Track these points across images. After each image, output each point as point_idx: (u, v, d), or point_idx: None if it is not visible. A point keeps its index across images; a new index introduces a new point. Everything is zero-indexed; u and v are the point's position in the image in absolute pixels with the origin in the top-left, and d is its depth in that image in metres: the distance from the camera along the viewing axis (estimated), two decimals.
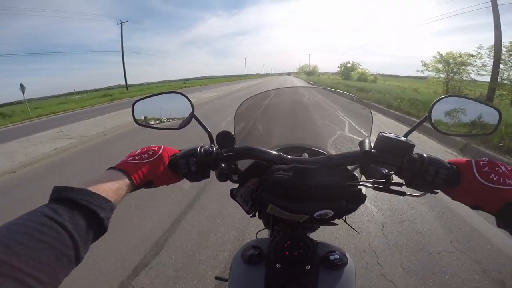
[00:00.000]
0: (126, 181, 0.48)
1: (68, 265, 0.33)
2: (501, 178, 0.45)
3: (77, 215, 0.37)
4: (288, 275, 0.57)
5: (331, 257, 0.60)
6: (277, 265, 0.58)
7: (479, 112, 0.62)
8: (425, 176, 0.49)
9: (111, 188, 0.44)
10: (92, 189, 0.42)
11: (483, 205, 0.46)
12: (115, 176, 0.48)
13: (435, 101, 0.60)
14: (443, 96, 0.62)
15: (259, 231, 0.88)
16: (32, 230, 0.32)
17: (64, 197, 0.38)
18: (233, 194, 0.64)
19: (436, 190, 0.51)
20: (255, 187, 0.61)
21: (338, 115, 0.88)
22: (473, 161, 0.49)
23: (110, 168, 0.50)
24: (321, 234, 1.96)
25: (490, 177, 0.45)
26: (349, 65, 39.46)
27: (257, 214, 0.68)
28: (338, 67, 35.90)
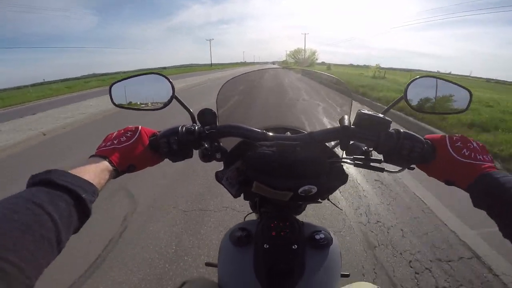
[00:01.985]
0: (108, 166, 0.47)
1: (50, 251, 0.30)
2: (472, 153, 0.46)
3: (57, 196, 0.34)
4: (276, 255, 0.58)
5: (317, 237, 0.61)
6: (265, 246, 0.59)
7: (451, 91, 0.65)
8: (401, 150, 0.50)
9: (93, 172, 0.43)
10: (73, 172, 0.40)
11: (456, 180, 0.47)
12: (97, 161, 0.46)
13: (410, 81, 0.62)
14: (418, 76, 0.64)
15: (247, 215, 0.88)
16: (6, 210, 0.29)
17: (42, 180, 0.35)
18: (218, 177, 0.64)
19: (412, 166, 0.53)
20: (241, 168, 0.60)
21: (320, 95, 0.89)
22: (447, 136, 0.50)
23: (91, 156, 0.49)
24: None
25: (462, 152, 0.47)
26: None
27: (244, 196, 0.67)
28: None
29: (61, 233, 0.32)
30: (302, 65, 54.27)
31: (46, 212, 0.31)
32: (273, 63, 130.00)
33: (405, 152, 0.50)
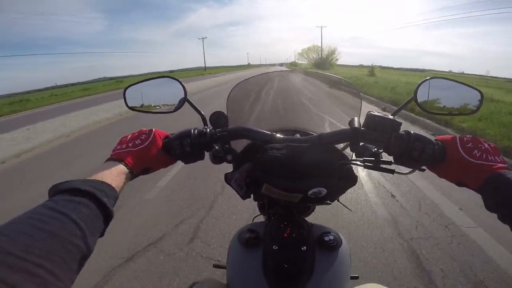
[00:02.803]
0: (124, 169, 0.48)
1: (79, 256, 0.31)
2: (484, 154, 0.46)
3: (80, 202, 0.35)
4: (285, 256, 0.57)
5: (326, 238, 0.61)
6: (273, 247, 0.58)
7: (462, 92, 0.64)
8: (412, 152, 0.50)
9: (111, 176, 0.44)
10: (93, 177, 0.42)
11: (466, 181, 0.46)
12: (113, 165, 0.47)
13: (420, 82, 0.62)
14: (428, 77, 0.63)
15: (255, 216, 0.88)
16: (34, 220, 0.31)
17: (65, 188, 0.37)
18: (228, 178, 0.65)
19: (423, 167, 0.52)
20: (249, 170, 0.61)
21: (329, 98, 0.89)
22: (458, 137, 0.49)
23: (107, 160, 0.50)
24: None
25: (473, 153, 0.46)
26: None
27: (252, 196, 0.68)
28: None
29: (88, 238, 0.33)
30: (318, 67, 41.21)
31: (72, 219, 0.32)
32: (281, 64, 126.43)
33: (415, 153, 0.50)
